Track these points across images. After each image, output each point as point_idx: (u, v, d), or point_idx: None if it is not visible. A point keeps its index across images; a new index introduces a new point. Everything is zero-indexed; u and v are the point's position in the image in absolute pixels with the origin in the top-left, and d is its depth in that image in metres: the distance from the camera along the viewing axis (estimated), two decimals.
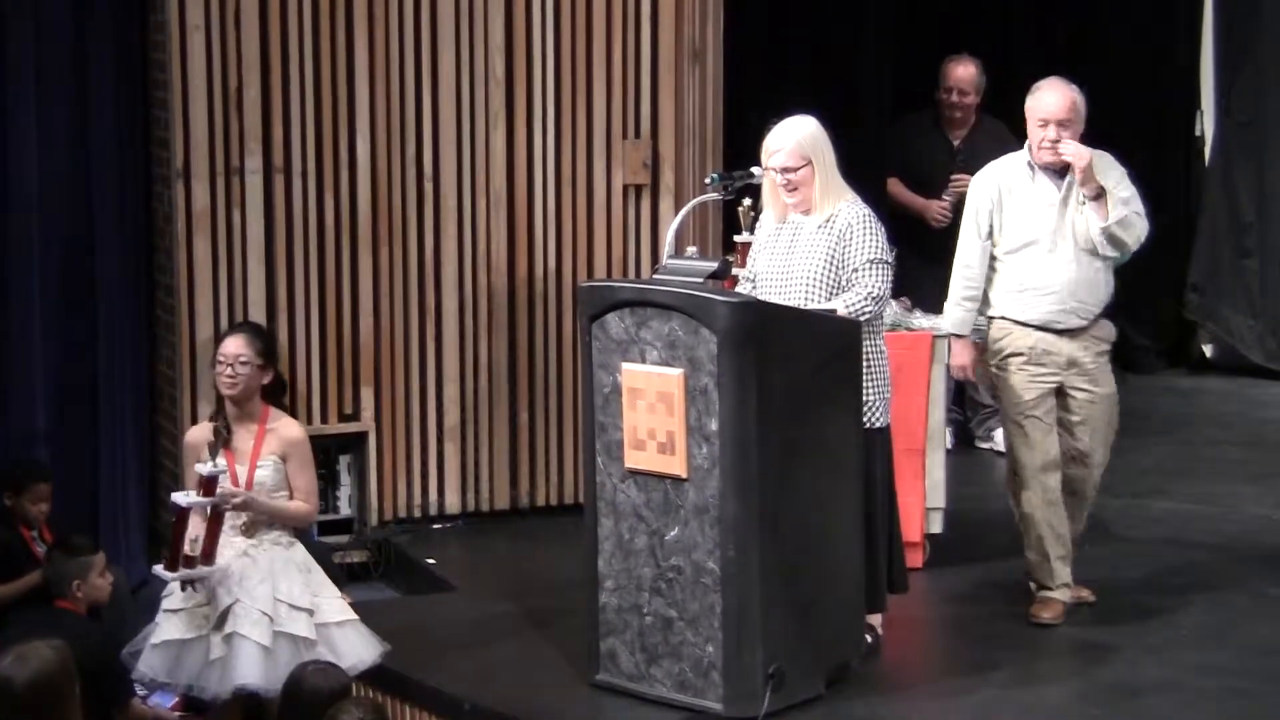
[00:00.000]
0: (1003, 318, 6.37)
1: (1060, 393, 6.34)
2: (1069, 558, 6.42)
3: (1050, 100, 6.24)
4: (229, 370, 5.83)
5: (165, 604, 5.82)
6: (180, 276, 7.13)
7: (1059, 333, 6.29)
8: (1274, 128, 10.13)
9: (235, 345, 5.88)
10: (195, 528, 5.71)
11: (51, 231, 7.27)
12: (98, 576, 6.16)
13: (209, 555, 5.67)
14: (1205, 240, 10.19)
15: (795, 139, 5.87)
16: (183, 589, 5.70)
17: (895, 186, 8.50)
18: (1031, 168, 6.31)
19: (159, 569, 5.74)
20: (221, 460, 5.78)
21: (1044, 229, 6.28)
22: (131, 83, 7.32)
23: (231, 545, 5.78)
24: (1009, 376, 6.35)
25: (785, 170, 5.87)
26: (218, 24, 7.08)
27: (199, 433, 5.98)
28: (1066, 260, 6.28)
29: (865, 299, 5.81)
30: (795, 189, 5.89)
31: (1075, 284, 6.28)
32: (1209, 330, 10.39)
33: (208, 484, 5.67)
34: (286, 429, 5.92)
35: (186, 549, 5.67)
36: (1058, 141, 6.20)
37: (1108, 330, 6.39)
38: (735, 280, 6.13)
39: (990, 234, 6.35)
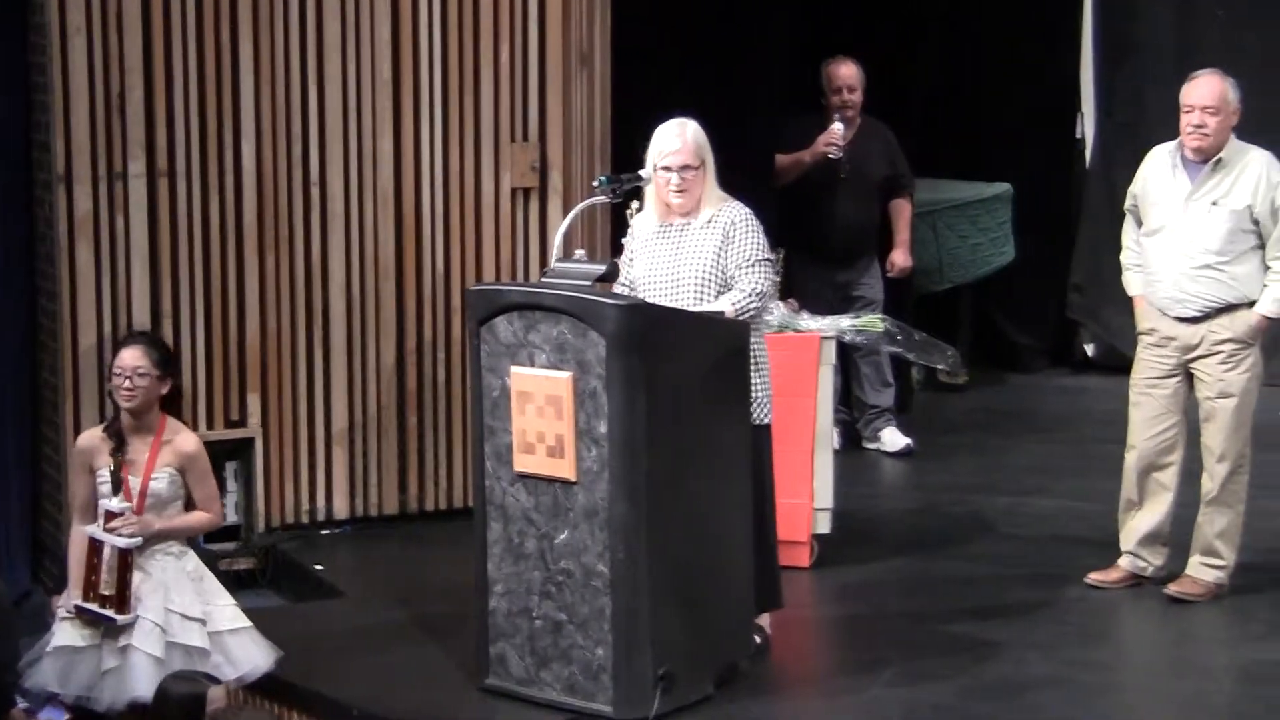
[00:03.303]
0: (1143, 296, 6.72)
1: (1191, 379, 6.63)
2: (1149, 534, 6.71)
3: (1197, 87, 6.55)
4: (127, 383, 5.75)
5: (61, 611, 5.79)
6: (63, 283, 7.03)
7: (1177, 319, 6.60)
8: (1153, 129, 10.20)
9: (133, 357, 5.79)
10: (108, 558, 5.67)
11: None
12: None
13: (123, 603, 5.64)
14: (1087, 241, 10.33)
15: (692, 138, 5.91)
16: (83, 619, 5.65)
17: (781, 159, 8.54)
18: (1173, 157, 6.62)
19: (77, 600, 5.68)
20: (125, 502, 5.71)
21: (1170, 219, 6.60)
22: (11, 86, 7.21)
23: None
24: (1140, 350, 6.76)
25: (684, 168, 5.89)
26: (99, 26, 6.98)
27: (90, 439, 5.89)
28: (1179, 253, 6.57)
29: (751, 295, 5.85)
30: (686, 189, 5.92)
31: (1181, 276, 6.57)
32: (1091, 330, 10.54)
33: (110, 518, 5.65)
34: (183, 442, 5.86)
35: (102, 588, 5.64)
36: (1200, 126, 6.49)
37: (1240, 325, 6.54)
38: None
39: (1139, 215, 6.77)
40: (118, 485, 5.73)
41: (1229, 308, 6.55)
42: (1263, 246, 6.54)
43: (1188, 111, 6.55)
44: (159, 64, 7.09)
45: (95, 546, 5.66)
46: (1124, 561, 6.79)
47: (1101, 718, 5.75)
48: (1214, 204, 6.54)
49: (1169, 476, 6.70)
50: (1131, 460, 6.75)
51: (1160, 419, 6.68)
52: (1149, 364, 6.72)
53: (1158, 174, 6.69)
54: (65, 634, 5.72)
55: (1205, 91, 6.53)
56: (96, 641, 5.67)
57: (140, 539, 5.67)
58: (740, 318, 5.82)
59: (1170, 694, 5.95)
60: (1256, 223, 6.52)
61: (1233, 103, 6.55)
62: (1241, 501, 6.66)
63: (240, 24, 7.20)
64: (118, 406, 5.84)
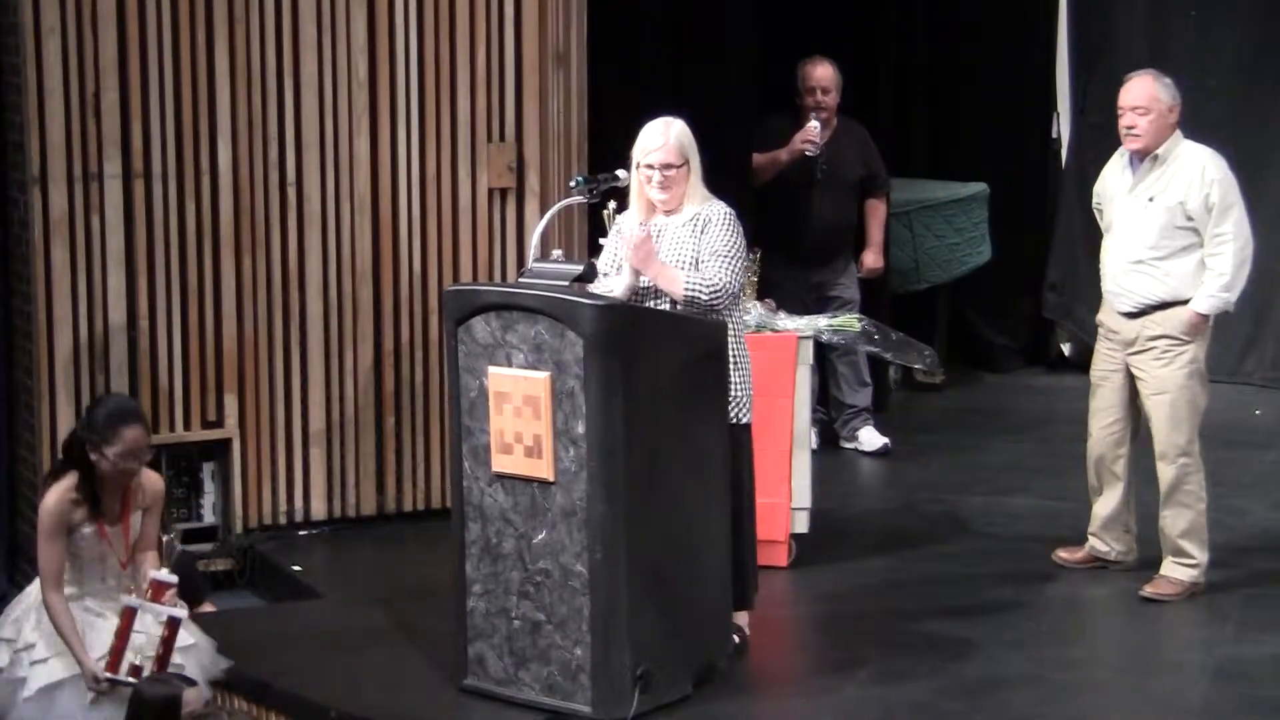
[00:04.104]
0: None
1: (1131, 372, 6.72)
2: (1107, 519, 6.84)
3: (1127, 90, 6.64)
4: (135, 463, 5.67)
5: (30, 655, 5.66)
6: (38, 284, 7.01)
7: (1120, 312, 6.69)
8: None
9: (140, 437, 5.64)
10: (142, 626, 5.60)
11: None
12: None
13: (164, 667, 5.57)
14: (1063, 240, 10.37)
15: (675, 136, 5.92)
16: (97, 686, 5.58)
17: (758, 158, 8.56)
18: (1124, 157, 6.73)
19: (108, 673, 5.53)
20: (172, 575, 5.67)
21: (1117, 215, 6.71)
22: None
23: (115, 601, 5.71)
24: (1096, 342, 6.92)
25: (666, 166, 5.89)
26: (74, 26, 6.97)
27: (61, 503, 5.65)
28: (1116, 248, 6.67)
29: (704, 284, 5.81)
30: (669, 187, 5.92)
31: (1119, 271, 6.67)
32: (1067, 329, 10.58)
33: (162, 589, 5.58)
34: (152, 482, 5.82)
35: (133, 658, 5.55)
36: (1131, 128, 6.59)
37: (1174, 322, 6.57)
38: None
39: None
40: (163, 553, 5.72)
41: (1163, 305, 6.58)
42: (1203, 245, 6.56)
43: (1121, 115, 6.63)
44: (134, 64, 7.08)
45: (130, 615, 5.59)
46: (1088, 544, 6.91)
47: (1076, 715, 5.77)
48: (1150, 200, 6.60)
49: (1121, 468, 6.79)
50: (1089, 447, 6.86)
51: (1109, 411, 6.77)
52: (1101, 356, 6.84)
53: (1113, 172, 6.79)
54: (41, 676, 5.60)
55: (1134, 93, 6.60)
56: (77, 671, 5.62)
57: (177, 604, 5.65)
58: (687, 302, 5.78)
59: (1144, 692, 5.97)
60: (1191, 219, 6.54)
61: (1165, 101, 6.57)
62: (1200, 500, 6.66)
63: (216, 24, 7.19)
64: (93, 469, 5.62)
